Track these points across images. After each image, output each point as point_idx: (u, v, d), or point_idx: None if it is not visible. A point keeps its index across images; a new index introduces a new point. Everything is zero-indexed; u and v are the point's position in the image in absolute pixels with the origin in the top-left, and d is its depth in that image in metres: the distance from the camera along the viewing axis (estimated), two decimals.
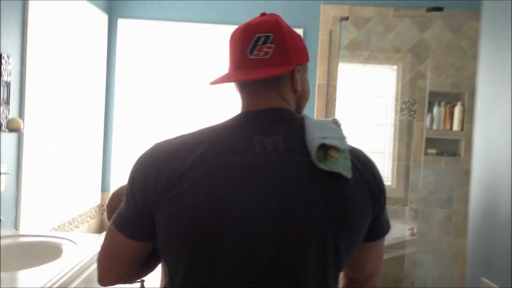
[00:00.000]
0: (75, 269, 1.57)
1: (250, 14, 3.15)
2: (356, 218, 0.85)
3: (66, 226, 2.54)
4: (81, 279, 1.60)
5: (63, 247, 1.76)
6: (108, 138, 3.09)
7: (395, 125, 3.27)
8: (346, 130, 0.94)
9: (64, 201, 2.51)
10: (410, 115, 3.23)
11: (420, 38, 3.15)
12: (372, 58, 3.21)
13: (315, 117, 3.05)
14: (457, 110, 3.17)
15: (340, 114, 3.13)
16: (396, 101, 3.25)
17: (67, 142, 2.51)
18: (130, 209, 0.85)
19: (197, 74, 3.08)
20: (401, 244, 3.18)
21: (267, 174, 0.81)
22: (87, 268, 1.65)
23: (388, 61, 3.24)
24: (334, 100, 3.08)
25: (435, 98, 3.19)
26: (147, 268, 0.96)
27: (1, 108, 1.87)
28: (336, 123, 0.92)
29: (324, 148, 0.83)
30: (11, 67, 1.94)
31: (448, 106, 3.20)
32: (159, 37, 3.07)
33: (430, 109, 3.20)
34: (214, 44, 3.06)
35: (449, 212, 3.19)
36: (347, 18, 3.03)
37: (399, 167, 3.26)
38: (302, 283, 0.82)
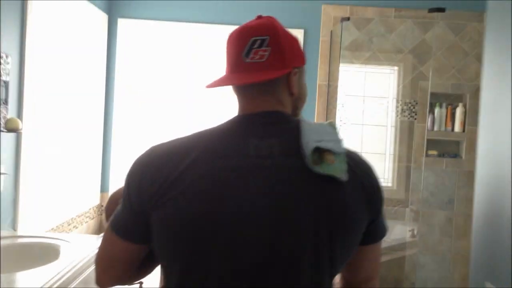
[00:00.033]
0: (73, 270, 1.56)
1: (250, 14, 3.12)
2: (351, 221, 0.85)
3: (65, 227, 2.53)
4: (79, 280, 1.59)
5: (61, 249, 1.75)
6: (108, 138, 3.08)
7: (396, 126, 3.26)
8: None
9: (63, 201, 2.50)
10: (411, 116, 3.22)
11: (421, 39, 3.14)
12: (373, 59, 3.19)
13: (315, 118, 3.04)
14: (459, 111, 3.16)
15: (340, 115, 3.11)
16: (397, 102, 3.24)
17: (66, 142, 2.50)
18: (126, 212, 0.86)
19: (197, 74, 3.07)
20: (402, 246, 3.16)
21: (260, 177, 0.81)
22: (84, 269, 1.64)
23: (389, 62, 3.22)
24: (335, 101, 3.06)
25: (436, 99, 3.18)
26: (145, 270, 0.96)
27: (0, 108, 1.86)
28: (332, 126, 0.91)
29: (320, 151, 0.83)
30: (9, 66, 1.93)
31: (449, 107, 3.19)
32: (159, 37, 3.06)
33: (432, 110, 3.18)
34: (214, 44, 3.05)
35: (450, 214, 3.18)
36: (348, 19, 3.01)
37: (399, 168, 3.25)
38: (296, 286, 0.82)
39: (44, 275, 1.46)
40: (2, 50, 1.88)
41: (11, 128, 1.85)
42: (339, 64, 3.06)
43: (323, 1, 3.05)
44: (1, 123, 1.86)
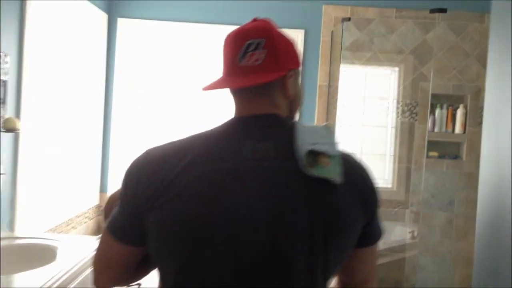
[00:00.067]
0: (70, 272, 1.55)
1: (250, 14, 3.12)
2: (345, 224, 0.85)
3: (64, 227, 2.52)
4: (76, 282, 1.58)
5: (58, 250, 1.74)
6: (107, 137, 3.07)
7: (396, 127, 3.25)
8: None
9: (61, 201, 2.49)
10: (411, 117, 3.21)
11: (422, 39, 3.13)
12: (374, 59, 3.18)
13: (316, 118, 3.03)
14: (459, 112, 3.15)
15: (341, 115, 3.10)
16: (398, 103, 3.23)
17: (65, 142, 2.49)
18: (123, 214, 0.87)
19: (197, 74, 3.05)
20: (402, 247, 3.15)
21: (255, 180, 0.82)
22: (82, 271, 1.63)
23: (390, 62, 3.21)
24: (336, 101, 3.05)
25: (437, 100, 3.16)
26: (142, 271, 0.97)
27: None
28: (328, 129, 0.91)
29: (314, 154, 0.83)
30: (8, 66, 1.92)
31: (450, 108, 3.18)
32: (158, 37, 3.05)
33: (432, 112, 3.17)
34: (213, 44, 3.03)
35: (450, 215, 3.17)
36: (349, 19, 3.00)
37: (400, 169, 3.24)
38: None
39: (41, 277, 1.45)
40: (0, 50, 1.87)
41: (9, 128, 1.84)
42: (339, 65, 3.05)
43: (323, 1, 3.04)
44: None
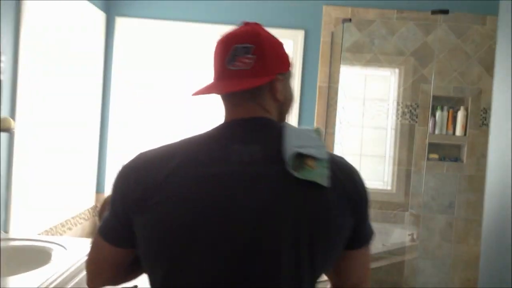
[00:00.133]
0: (65, 275, 1.53)
1: (250, 14, 3.12)
2: (332, 226, 0.86)
3: (59, 228, 2.49)
4: (72, 284, 1.56)
5: (53, 252, 1.72)
6: (104, 138, 3.04)
7: (396, 129, 3.23)
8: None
9: (57, 202, 2.46)
10: (412, 119, 3.19)
11: (423, 41, 3.11)
12: (374, 60, 3.16)
13: (315, 119, 3.01)
14: (460, 114, 3.13)
15: (340, 117, 3.08)
16: (398, 104, 3.21)
17: (61, 142, 2.46)
18: (113, 216, 0.89)
19: (196, 74, 3.03)
20: (401, 250, 3.14)
21: (241, 184, 0.82)
22: (76, 274, 1.61)
23: (390, 64, 3.19)
24: (335, 102, 3.03)
25: (438, 102, 3.15)
26: (134, 273, 0.98)
27: None
28: (317, 132, 0.92)
29: (301, 157, 0.83)
30: (3, 65, 1.89)
31: (451, 110, 3.16)
32: (157, 36, 3.03)
33: (433, 114, 3.15)
34: (213, 44, 3.01)
35: (450, 218, 3.16)
36: (349, 20, 2.98)
37: (399, 171, 3.22)
38: None
39: (36, 279, 1.44)
40: None
41: (4, 128, 1.82)
42: (339, 66, 3.03)
43: (324, 2, 3.02)
44: None
